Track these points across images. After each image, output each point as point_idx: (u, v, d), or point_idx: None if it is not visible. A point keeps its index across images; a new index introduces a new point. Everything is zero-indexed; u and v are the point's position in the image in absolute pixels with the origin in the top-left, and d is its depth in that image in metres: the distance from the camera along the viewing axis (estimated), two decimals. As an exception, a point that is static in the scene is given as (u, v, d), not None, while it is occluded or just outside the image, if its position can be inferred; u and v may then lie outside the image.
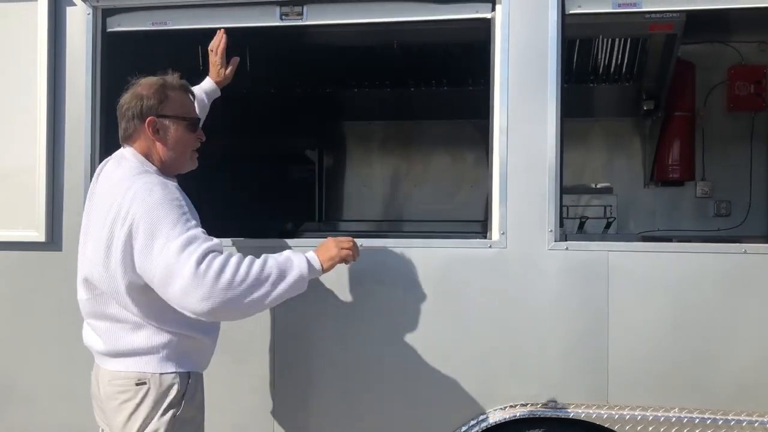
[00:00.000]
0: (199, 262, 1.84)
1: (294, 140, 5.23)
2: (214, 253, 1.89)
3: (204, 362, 2.21)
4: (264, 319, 2.83)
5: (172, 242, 1.86)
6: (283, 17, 2.87)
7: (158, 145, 2.12)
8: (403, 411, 2.77)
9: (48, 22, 2.88)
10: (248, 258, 1.96)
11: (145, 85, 2.13)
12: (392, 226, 5.21)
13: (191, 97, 2.24)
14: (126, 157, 2.12)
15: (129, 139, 2.15)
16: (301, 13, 2.86)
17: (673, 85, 4.49)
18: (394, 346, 2.77)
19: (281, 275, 1.99)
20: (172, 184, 2.09)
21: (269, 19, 2.89)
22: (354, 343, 2.80)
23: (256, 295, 1.91)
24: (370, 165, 5.37)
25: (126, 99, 2.14)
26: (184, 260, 1.84)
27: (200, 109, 2.64)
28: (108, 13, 2.95)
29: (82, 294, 2.11)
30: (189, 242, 1.87)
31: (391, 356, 2.77)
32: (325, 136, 5.36)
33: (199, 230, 1.94)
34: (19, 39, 2.91)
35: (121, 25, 2.95)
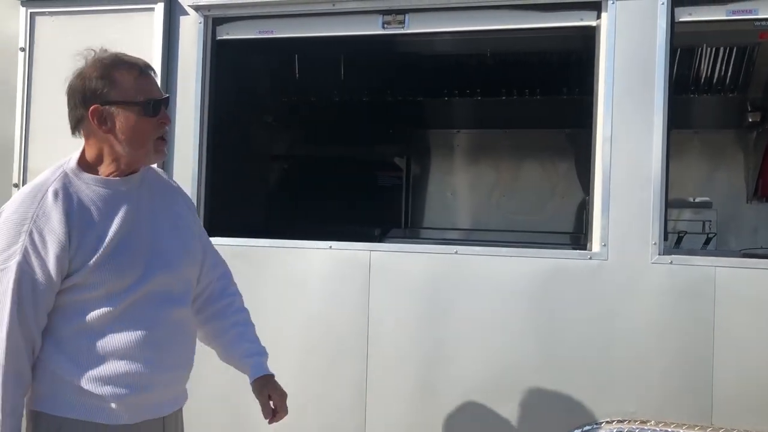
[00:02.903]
0: None
1: (383, 147, 5.28)
2: None
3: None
4: (358, 321, 2.88)
5: None
6: (385, 26, 2.92)
7: (110, 138, 1.75)
8: (494, 421, 2.74)
9: (163, 30, 3.03)
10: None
11: (90, 64, 1.76)
12: (478, 235, 5.17)
13: (151, 73, 1.82)
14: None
15: (78, 131, 1.82)
16: (402, 22, 2.89)
17: (782, 97, 4.28)
18: (487, 356, 2.75)
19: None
20: (63, 194, 1.73)
21: (371, 27, 2.94)
22: (447, 349, 2.80)
23: None
24: (458, 173, 5.36)
25: (71, 80, 1.79)
26: None
27: None
28: (218, 21, 3.08)
29: None
30: None
31: (484, 366, 2.75)
32: (414, 144, 5.39)
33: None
34: (138, 46, 3.07)
35: (229, 33, 3.07)
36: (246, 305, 2.10)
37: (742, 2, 2.60)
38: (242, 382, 2.01)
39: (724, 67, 4.25)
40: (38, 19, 3.15)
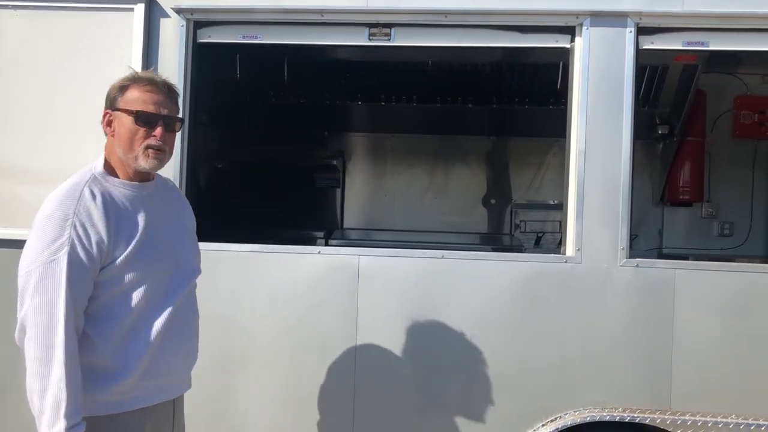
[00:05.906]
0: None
1: (320, 149, 5.37)
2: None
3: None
4: (347, 321, 2.96)
5: (32, 267, 1.82)
6: (371, 38, 3.01)
7: (113, 139, 2.01)
8: (481, 412, 2.93)
9: (143, 32, 2.95)
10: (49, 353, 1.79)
11: (117, 79, 2.04)
12: (411, 236, 5.35)
13: (160, 91, 2.01)
14: None
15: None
16: (389, 35, 3.00)
17: (687, 112, 4.78)
18: (472, 353, 2.93)
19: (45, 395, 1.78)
20: (97, 193, 1.92)
21: (357, 38, 3.02)
22: (432, 347, 2.95)
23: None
24: (392, 177, 5.52)
25: None
26: (28, 297, 1.82)
27: None
28: (199, 25, 3.04)
29: None
30: (40, 278, 1.81)
31: (470, 361, 2.93)
32: (350, 147, 5.52)
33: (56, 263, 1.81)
34: (114, 46, 2.97)
35: (211, 36, 3.04)
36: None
37: (696, 33, 2.93)
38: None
39: (639, 84, 4.68)
40: (0, 12, 2.96)
